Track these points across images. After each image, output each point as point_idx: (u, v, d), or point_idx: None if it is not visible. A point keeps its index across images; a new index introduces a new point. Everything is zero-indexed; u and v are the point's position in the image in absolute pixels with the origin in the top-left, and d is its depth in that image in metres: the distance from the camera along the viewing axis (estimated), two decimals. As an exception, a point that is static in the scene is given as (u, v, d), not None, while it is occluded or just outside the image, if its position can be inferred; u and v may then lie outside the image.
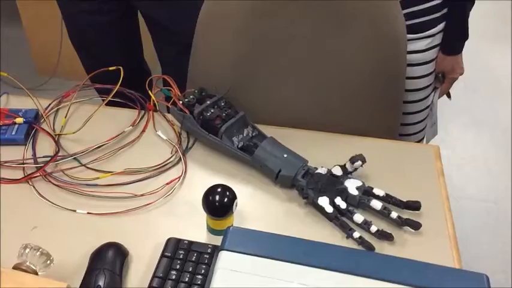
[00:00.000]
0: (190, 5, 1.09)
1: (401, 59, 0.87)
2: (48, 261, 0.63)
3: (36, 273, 0.61)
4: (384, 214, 0.74)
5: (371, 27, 0.82)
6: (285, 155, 0.80)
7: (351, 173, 0.79)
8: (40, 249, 0.62)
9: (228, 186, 0.71)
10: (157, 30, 1.26)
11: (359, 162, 0.77)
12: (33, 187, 0.78)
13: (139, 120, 0.91)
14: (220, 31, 0.91)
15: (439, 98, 1.12)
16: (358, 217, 0.73)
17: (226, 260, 0.43)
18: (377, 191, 0.76)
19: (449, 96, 1.15)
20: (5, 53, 2.05)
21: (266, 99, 0.92)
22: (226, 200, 0.69)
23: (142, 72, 1.43)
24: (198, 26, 0.92)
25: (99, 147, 0.84)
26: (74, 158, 0.83)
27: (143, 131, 0.89)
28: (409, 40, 0.91)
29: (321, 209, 0.75)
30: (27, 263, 0.61)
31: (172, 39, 1.23)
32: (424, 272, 0.43)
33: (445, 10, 0.97)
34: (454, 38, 1.00)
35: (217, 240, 0.71)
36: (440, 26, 0.98)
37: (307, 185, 0.77)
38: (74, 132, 0.85)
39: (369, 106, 0.89)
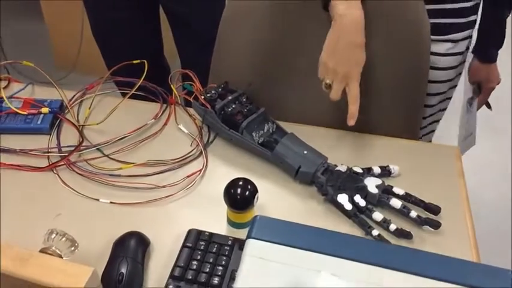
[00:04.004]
0: (213, 1, 1.11)
1: (424, 59, 0.87)
2: (73, 248, 0.64)
3: (61, 258, 0.62)
4: (403, 213, 0.74)
5: (394, 26, 0.83)
6: (305, 152, 0.81)
7: (371, 171, 0.80)
8: (65, 235, 0.63)
9: (250, 180, 0.72)
10: (179, 25, 1.28)
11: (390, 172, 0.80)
12: (58, 175, 0.80)
13: (162, 114, 0.92)
14: (243, 29, 0.91)
15: (478, 109, 1.09)
16: (378, 215, 0.74)
17: (254, 248, 0.43)
18: (397, 190, 0.77)
19: (489, 106, 1.11)
20: (26, 47, 2.08)
21: (287, 97, 0.92)
22: (247, 193, 0.70)
23: (162, 68, 1.45)
24: (222, 23, 0.93)
25: (121, 138, 0.85)
26: (97, 149, 0.84)
27: (165, 124, 0.90)
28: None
29: (340, 206, 0.76)
30: (53, 248, 0.62)
31: (194, 35, 1.25)
32: (451, 266, 0.43)
33: (472, 17, 0.94)
34: (490, 46, 0.97)
35: (237, 234, 0.72)
36: (465, 33, 0.95)
37: (326, 182, 0.77)
38: (97, 123, 0.86)
39: (390, 105, 0.89)
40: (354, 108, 0.78)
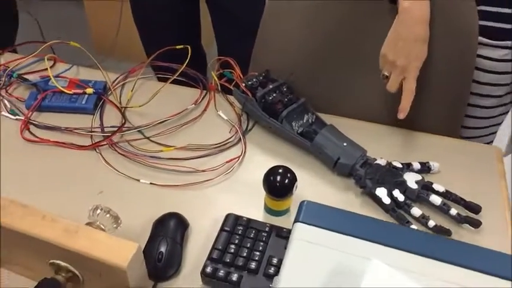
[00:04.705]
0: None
1: (470, 57, 0.85)
2: (115, 224, 0.66)
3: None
4: (443, 210, 0.73)
5: (441, 22, 0.81)
6: (345, 144, 0.80)
7: (410, 166, 0.79)
8: (110, 211, 0.65)
9: (290, 168, 0.72)
10: (219, 13, 1.28)
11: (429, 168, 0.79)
12: (100, 154, 0.82)
13: (201, 100, 0.93)
14: (287, 19, 0.91)
15: None
16: (416, 211, 0.73)
17: (301, 231, 0.44)
18: (437, 187, 0.76)
19: None
20: (64, 32, 2.12)
21: (328, 89, 0.92)
22: (287, 181, 0.71)
23: (199, 54, 1.46)
24: (266, 11, 0.93)
25: (162, 122, 0.87)
26: (139, 131, 0.85)
27: (204, 110, 0.91)
28: (482, 44, 0.87)
29: (378, 200, 0.75)
30: (97, 223, 0.64)
31: (234, 23, 1.25)
32: (499, 260, 0.43)
33: None
34: None
35: (273, 221, 0.73)
36: None
37: (365, 174, 0.77)
38: (140, 106, 0.88)
39: (432, 102, 0.88)
40: (406, 103, 0.78)
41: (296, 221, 0.45)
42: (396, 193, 0.75)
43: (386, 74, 0.79)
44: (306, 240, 0.43)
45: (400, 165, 0.79)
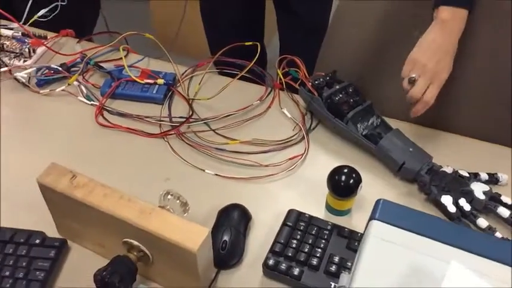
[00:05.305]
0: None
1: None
2: (184, 210, 0.68)
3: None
4: (509, 222, 0.71)
5: (497, 26, 0.79)
6: (411, 149, 0.80)
7: (477, 176, 0.78)
8: (180, 197, 0.67)
9: (355, 169, 0.72)
10: (284, 12, 1.30)
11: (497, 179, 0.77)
12: (168, 143, 0.84)
13: (266, 97, 0.94)
14: (357, 20, 0.92)
15: None
16: (482, 222, 0.72)
17: (378, 229, 0.44)
18: (505, 199, 0.74)
19: None
20: (128, 24, 2.19)
21: (394, 93, 0.91)
22: (352, 181, 0.71)
23: (262, 53, 1.47)
24: (336, 13, 0.94)
25: (228, 115, 0.89)
26: (205, 123, 0.88)
27: (269, 107, 0.92)
28: None
29: (443, 208, 0.74)
30: (168, 207, 0.66)
31: (299, 22, 1.26)
32: None
33: None
34: None
35: (334, 220, 0.73)
36: None
37: (430, 181, 0.76)
38: (208, 99, 0.90)
39: (501, 111, 0.86)
40: (420, 109, 0.79)
41: (372, 218, 0.45)
42: (462, 202, 0.74)
43: (414, 76, 0.78)
44: (381, 238, 0.43)
45: (467, 175, 0.77)
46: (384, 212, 0.46)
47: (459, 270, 0.40)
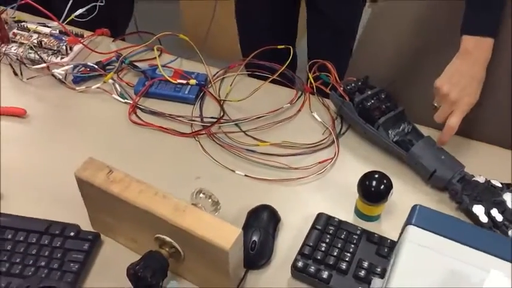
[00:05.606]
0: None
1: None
2: (215, 209, 0.69)
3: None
4: (544, 235, 0.70)
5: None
6: (442, 157, 0.79)
7: (510, 187, 0.76)
8: (211, 196, 0.68)
9: (386, 175, 0.72)
10: (312, 12, 1.30)
11: None
12: (199, 143, 0.86)
13: (297, 100, 0.95)
14: (390, 26, 0.91)
15: None
16: (515, 233, 0.71)
17: (414, 235, 0.44)
18: (539, 211, 0.73)
19: None
20: (159, 25, 2.23)
21: (426, 100, 0.90)
22: (383, 187, 0.71)
23: (293, 57, 1.48)
24: (369, 19, 0.94)
25: (259, 117, 0.89)
26: (236, 124, 0.89)
27: (299, 110, 0.93)
28: None
29: (474, 217, 0.73)
30: (199, 205, 0.67)
31: (325, 22, 1.27)
32: None
33: None
34: None
35: (364, 225, 0.73)
36: None
37: (462, 190, 0.75)
38: (239, 100, 0.91)
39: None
40: (446, 137, 0.79)
41: (408, 223, 0.45)
42: (494, 212, 0.73)
43: (436, 105, 0.79)
44: (418, 243, 0.43)
45: (500, 185, 0.76)
46: (421, 217, 0.46)
47: (499, 279, 0.39)
